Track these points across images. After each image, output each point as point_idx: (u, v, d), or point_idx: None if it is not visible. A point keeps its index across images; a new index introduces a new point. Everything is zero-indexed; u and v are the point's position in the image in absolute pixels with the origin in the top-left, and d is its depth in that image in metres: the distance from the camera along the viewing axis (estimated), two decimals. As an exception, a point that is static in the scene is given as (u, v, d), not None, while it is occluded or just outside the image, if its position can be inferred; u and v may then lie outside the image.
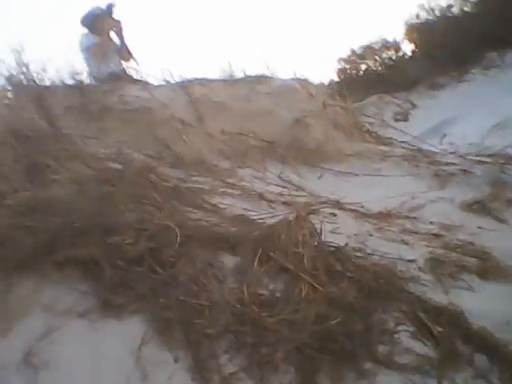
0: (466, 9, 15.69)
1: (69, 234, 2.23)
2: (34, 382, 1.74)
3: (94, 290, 2.14)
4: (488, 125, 7.58)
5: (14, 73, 3.55)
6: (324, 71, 15.33)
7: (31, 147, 2.90)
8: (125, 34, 5.54)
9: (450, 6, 15.71)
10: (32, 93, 3.44)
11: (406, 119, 12.68)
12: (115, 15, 5.48)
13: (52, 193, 2.51)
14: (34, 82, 3.58)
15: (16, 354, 1.80)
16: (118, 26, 5.50)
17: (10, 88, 3.47)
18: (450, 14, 15.66)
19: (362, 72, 15.90)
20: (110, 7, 5.45)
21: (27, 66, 3.53)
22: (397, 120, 12.38)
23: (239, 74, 4.65)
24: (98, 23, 5.48)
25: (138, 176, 2.85)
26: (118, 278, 2.11)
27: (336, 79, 15.31)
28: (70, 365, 1.82)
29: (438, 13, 15.69)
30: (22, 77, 3.51)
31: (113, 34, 5.53)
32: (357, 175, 4.08)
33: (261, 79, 4.63)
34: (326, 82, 12.54)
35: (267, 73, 4.77)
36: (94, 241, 2.20)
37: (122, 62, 5.54)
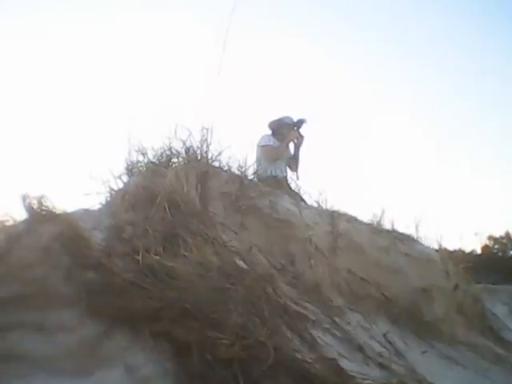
0: None
1: (177, 311, 2.38)
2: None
3: (176, 370, 2.25)
4: None
5: (196, 146, 3.86)
6: (470, 242, 14.91)
7: (177, 217, 3.15)
8: (303, 148, 5.90)
9: None
10: (199, 168, 3.70)
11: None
12: (302, 130, 5.88)
13: (177, 267, 2.69)
14: (207, 158, 3.87)
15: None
16: (300, 140, 5.88)
17: (184, 158, 3.76)
18: None
19: (509, 257, 15.38)
20: (301, 121, 5.88)
21: (208, 144, 3.84)
22: (527, 318, 11.81)
23: (387, 225, 4.73)
24: (283, 130, 5.89)
25: (257, 282, 2.97)
26: (201, 369, 2.21)
27: (478, 252, 14.95)
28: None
29: None
30: (199, 151, 3.81)
31: (291, 145, 5.91)
32: (463, 367, 3.93)
33: (405, 238, 4.67)
34: (467, 251, 12.39)
35: (413, 233, 4.82)
36: (195, 326, 2.33)
37: (288, 170, 5.87)
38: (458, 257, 5.87)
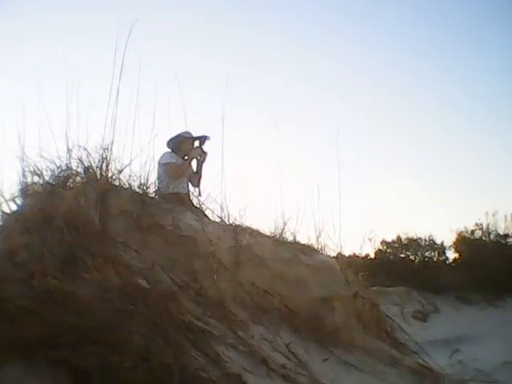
0: (521, 244, 15.96)
1: (75, 336, 2.33)
2: None
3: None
4: (502, 358, 7.46)
5: (94, 166, 3.80)
6: (365, 247, 15.54)
7: (76, 238, 3.08)
8: (205, 166, 5.94)
9: (506, 236, 16.02)
10: (99, 187, 3.64)
11: (424, 320, 12.69)
12: (205, 147, 5.92)
13: (76, 290, 2.63)
14: (107, 177, 3.82)
15: None
16: (203, 156, 5.92)
17: (83, 177, 3.68)
18: (503, 242, 15.93)
19: (399, 260, 16.14)
20: (204, 138, 5.92)
21: (107, 163, 3.79)
22: (415, 318, 12.43)
23: (289, 237, 4.85)
24: (183, 146, 5.92)
25: (159, 301, 2.96)
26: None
27: (372, 257, 15.60)
28: None
29: (492, 237, 16.00)
30: (98, 171, 3.75)
31: (194, 161, 5.95)
32: (361, 371, 4.08)
33: (306, 249, 4.81)
34: (362, 256, 12.91)
35: (315, 244, 4.97)
36: (94, 352, 2.29)
37: (190, 186, 5.89)
38: (355, 263, 6.09)
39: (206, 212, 4.93)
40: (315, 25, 26.26)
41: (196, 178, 5.94)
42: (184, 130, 5.93)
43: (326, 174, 5.41)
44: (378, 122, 26.78)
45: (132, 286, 2.94)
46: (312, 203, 5.12)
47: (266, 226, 4.93)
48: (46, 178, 3.68)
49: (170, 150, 5.96)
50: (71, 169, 3.74)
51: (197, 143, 6.02)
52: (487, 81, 27.55)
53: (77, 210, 3.27)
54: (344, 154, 5.59)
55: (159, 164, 5.62)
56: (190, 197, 5.73)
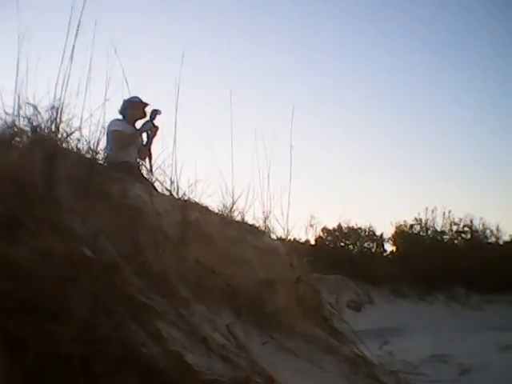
0: (455, 242, 16.49)
1: (12, 302, 2.21)
2: None
3: (8, 367, 2.10)
4: (429, 351, 7.73)
5: (42, 122, 3.63)
6: (308, 233, 15.70)
7: (20, 201, 2.94)
8: (156, 140, 5.82)
9: (442, 232, 16.50)
10: (47, 149, 3.48)
11: (358, 310, 13.00)
12: (157, 121, 5.79)
13: (16, 254, 2.51)
14: (55, 139, 3.66)
15: None
16: (153, 131, 5.79)
17: (30, 137, 3.52)
18: (440, 239, 16.41)
19: (339, 247, 16.44)
20: (155, 112, 5.79)
21: (57, 124, 3.63)
22: (350, 307, 12.71)
23: (237, 216, 4.79)
24: (132, 111, 5.77)
25: (103, 271, 2.86)
26: (38, 366, 2.08)
27: (312, 243, 15.81)
28: None
29: (429, 233, 16.45)
30: (46, 131, 3.59)
31: (145, 135, 5.82)
32: (299, 358, 4.09)
33: (253, 230, 4.77)
34: (303, 242, 13.04)
35: (262, 226, 4.93)
36: (32, 320, 2.19)
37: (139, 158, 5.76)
38: (298, 248, 6.11)
39: (155, 184, 4.82)
40: None
41: (144, 152, 5.82)
42: (133, 95, 5.78)
43: (277, 155, 5.35)
44: (334, 111, 27.07)
45: (76, 254, 2.83)
46: (262, 185, 5.08)
47: (214, 204, 4.86)
48: (-10, 134, 3.50)
49: (119, 117, 5.80)
50: (18, 127, 3.56)
51: (148, 117, 5.90)
52: (432, 81, 28.16)
53: (22, 170, 3.12)
54: (297, 138, 5.53)
55: (107, 131, 5.46)
56: (139, 167, 5.61)
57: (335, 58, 28.47)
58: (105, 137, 5.22)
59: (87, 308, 2.42)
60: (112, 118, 5.70)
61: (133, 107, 5.88)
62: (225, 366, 3.03)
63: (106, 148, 5.11)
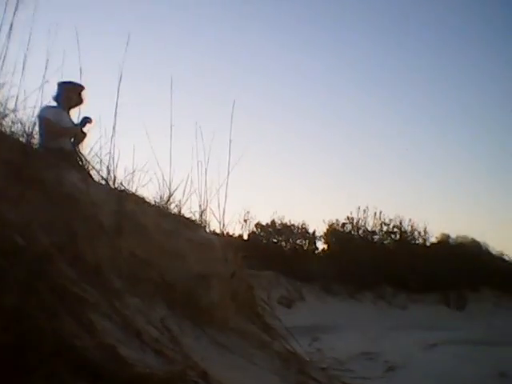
0: (385, 242, 16.91)
1: None
2: None
3: None
4: (357, 349, 7.90)
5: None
6: (242, 228, 15.76)
7: None
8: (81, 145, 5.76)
9: (373, 232, 16.88)
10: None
11: (289, 306, 13.15)
12: (85, 129, 5.80)
13: None
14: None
15: None
16: (80, 138, 5.69)
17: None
18: (370, 239, 16.79)
19: (272, 243, 16.56)
20: (85, 121, 5.71)
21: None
22: (281, 303, 12.83)
23: (174, 209, 4.74)
24: (67, 94, 5.62)
25: (35, 261, 2.77)
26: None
27: (245, 238, 15.87)
28: None
29: (360, 232, 16.80)
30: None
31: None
32: (232, 353, 4.08)
33: (189, 224, 4.73)
34: (236, 237, 13.08)
35: (198, 220, 4.90)
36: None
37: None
38: (232, 243, 6.11)
39: (91, 173, 4.71)
40: None
41: (80, 138, 5.71)
42: (68, 80, 5.64)
43: (216, 148, 5.32)
44: (274, 107, 27.23)
45: (7, 241, 2.72)
46: (200, 177, 5.04)
47: (151, 195, 4.79)
48: None
49: (52, 104, 5.63)
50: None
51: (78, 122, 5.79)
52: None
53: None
54: (237, 133, 5.52)
55: (39, 116, 5.27)
56: (76, 154, 5.46)
57: (274, 44, 28.53)
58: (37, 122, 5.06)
59: (19, 298, 2.33)
60: (44, 104, 5.51)
61: (68, 91, 5.71)
62: (159, 360, 2.99)
63: (38, 134, 4.96)
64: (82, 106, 5.79)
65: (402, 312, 13.09)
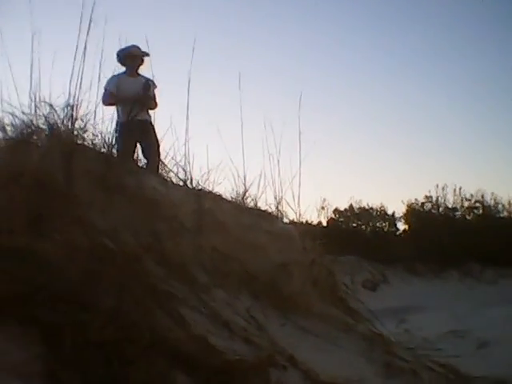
0: (467, 217, 16.49)
1: (46, 294, 2.33)
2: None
3: (46, 355, 2.22)
4: (446, 327, 7.79)
5: (59, 120, 3.75)
6: (319, 215, 15.77)
7: (41, 196, 3.06)
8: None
9: (454, 209, 16.50)
10: (64, 145, 3.60)
11: (374, 289, 13.09)
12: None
13: (45, 248, 2.63)
14: (72, 136, 3.77)
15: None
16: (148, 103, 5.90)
17: (47, 135, 3.63)
18: (452, 216, 16.43)
19: (351, 228, 16.50)
20: (145, 85, 5.88)
21: (73, 121, 3.74)
22: (365, 287, 12.80)
23: (250, 203, 4.89)
24: (130, 61, 5.91)
25: (126, 262, 2.98)
26: (73, 353, 2.20)
27: (324, 225, 15.87)
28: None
29: (441, 210, 16.48)
30: (63, 128, 3.70)
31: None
32: (317, 337, 4.20)
33: (266, 216, 4.87)
34: (315, 224, 13.13)
35: (274, 211, 5.04)
36: (65, 310, 2.31)
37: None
38: (311, 231, 6.20)
39: (170, 175, 4.92)
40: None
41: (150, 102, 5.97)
42: (132, 44, 5.87)
43: (287, 140, 5.44)
44: (340, 94, 27.04)
45: (99, 246, 2.95)
46: (273, 170, 5.17)
47: (227, 191, 4.96)
48: (10, 134, 3.61)
49: (116, 73, 5.87)
50: (36, 125, 3.68)
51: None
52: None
53: (42, 168, 3.24)
54: (306, 121, 5.61)
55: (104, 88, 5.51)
56: (151, 124, 5.76)
57: (344, 42, 28.35)
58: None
59: (115, 297, 2.54)
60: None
61: (132, 58, 5.92)
62: (247, 348, 3.15)
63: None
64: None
65: (492, 288, 12.76)
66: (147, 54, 5.90)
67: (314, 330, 4.25)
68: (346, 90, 28.71)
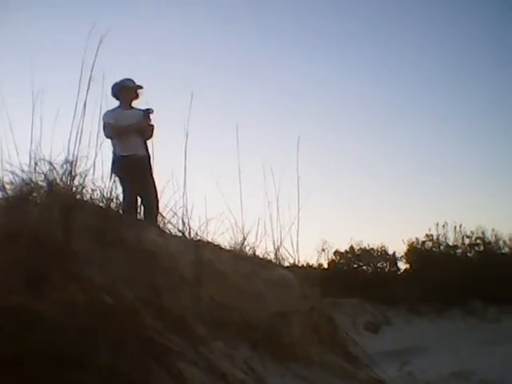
0: (468, 255, 16.45)
1: (42, 354, 2.36)
2: None
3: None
4: (449, 369, 7.73)
5: (57, 177, 3.82)
6: (319, 257, 15.76)
7: (39, 254, 3.10)
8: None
9: (455, 247, 16.48)
10: (63, 202, 3.66)
11: (376, 331, 12.99)
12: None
13: (42, 308, 2.66)
14: (71, 192, 3.84)
15: None
16: (149, 131, 5.97)
17: (46, 192, 3.70)
18: (453, 253, 16.39)
19: (352, 269, 16.43)
20: (147, 112, 5.96)
21: (72, 177, 3.81)
22: (367, 329, 12.70)
23: (249, 251, 4.93)
24: (124, 94, 5.98)
25: (123, 317, 3.01)
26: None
27: (325, 267, 15.83)
28: None
29: (442, 248, 16.45)
30: (62, 185, 3.78)
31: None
32: (315, 386, 4.19)
33: (265, 264, 4.90)
34: (315, 266, 13.09)
35: (273, 258, 5.07)
36: (61, 370, 2.33)
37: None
38: (310, 275, 6.21)
39: (168, 226, 4.96)
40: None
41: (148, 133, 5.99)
42: (126, 78, 5.96)
43: (286, 185, 5.51)
44: (338, 133, 27.30)
45: (97, 302, 2.99)
46: (271, 217, 5.22)
47: (226, 240, 5.00)
48: (9, 192, 3.68)
49: (111, 108, 5.91)
50: (35, 183, 3.75)
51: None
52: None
53: (41, 225, 3.29)
54: (304, 166, 5.69)
55: (103, 123, 5.41)
56: (149, 159, 5.78)
57: (340, 87, 28.76)
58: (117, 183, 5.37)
59: (111, 354, 2.56)
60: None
61: (126, 91, 6.00)
62: (245, 401, 3.15)
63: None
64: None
65: (495, 326, 12.67)
66: (141, 87, 6.03)
67: (315, 379, 4.24)
68: (345, 130, 28.99)
